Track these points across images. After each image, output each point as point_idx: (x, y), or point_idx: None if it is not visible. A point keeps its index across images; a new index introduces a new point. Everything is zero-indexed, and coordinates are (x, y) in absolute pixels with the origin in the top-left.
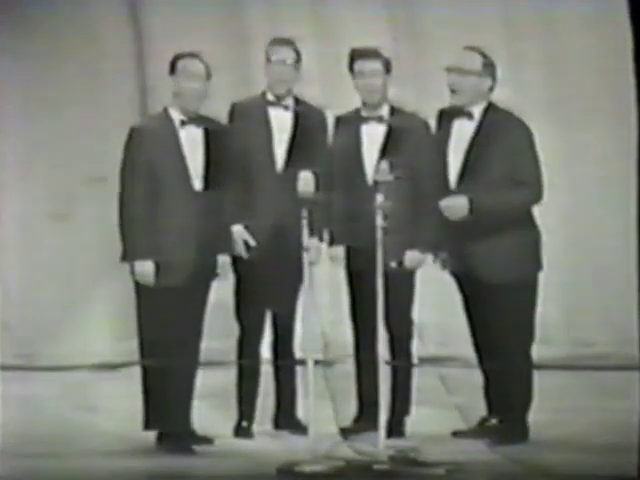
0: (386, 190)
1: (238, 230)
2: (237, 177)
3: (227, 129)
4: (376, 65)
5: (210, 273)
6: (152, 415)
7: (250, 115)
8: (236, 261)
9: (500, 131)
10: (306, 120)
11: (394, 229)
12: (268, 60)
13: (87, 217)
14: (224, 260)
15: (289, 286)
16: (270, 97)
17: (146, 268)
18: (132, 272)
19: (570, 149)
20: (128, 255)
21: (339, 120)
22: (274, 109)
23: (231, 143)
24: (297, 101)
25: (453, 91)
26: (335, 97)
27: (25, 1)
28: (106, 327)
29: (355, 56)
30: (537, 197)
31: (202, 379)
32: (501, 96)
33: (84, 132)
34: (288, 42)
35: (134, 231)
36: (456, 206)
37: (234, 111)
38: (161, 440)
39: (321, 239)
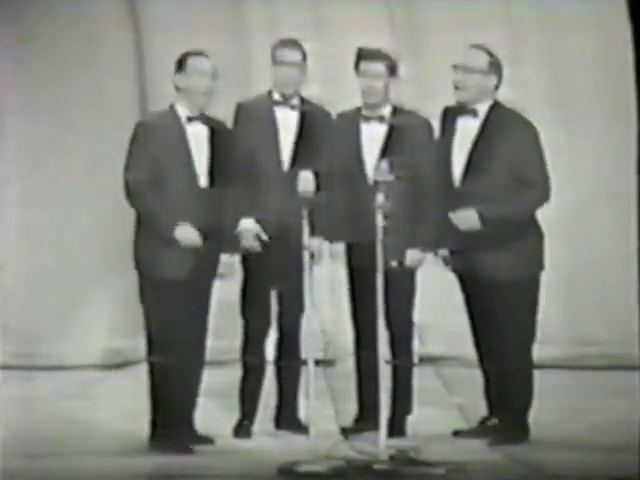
0: (386, 190)
1: (248, 224)
2: (243, 176)
3: (233, 130)
4: (380, 67)
5: (213, 270)
6: (159, 414)
7: (256, 115)
8: (242, 260)
9: (505, 129)
10: (312, 120)
11: (394, 228)
12: (274, 61)
13: (88, 216)
14: (228, 259)
15: (294, 286)
16: (276, 96)
17: (188, 229)
18: (138, 268)
19: (570, 149)
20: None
21: (340, 118)
22: (280, 109)
23: (237, 142)
24: (303, 101)
25: (457, 88)
26: (335, 97)
27: (25, 2)
28: (107, 326)
29: (361, 56)
30: (545, 198)
31: (206, 378)
32: (501, 95)
33: (84, 132)
34: (294, 43)
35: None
36: (466, 219)
37: (240, 111)
38: (155, 439)
39: (323, 238)
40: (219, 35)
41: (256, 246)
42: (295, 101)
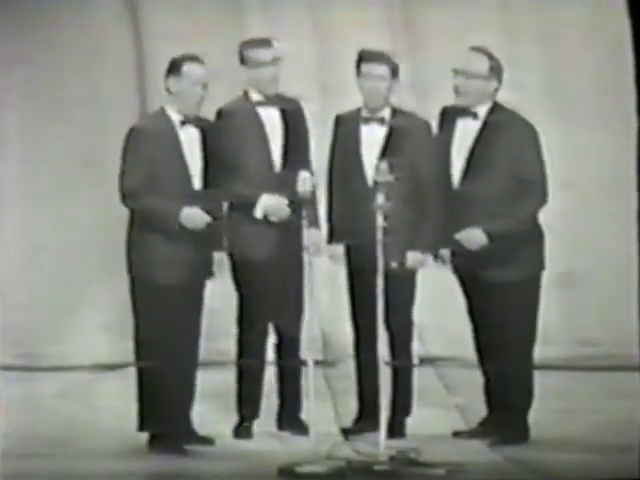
0: (386, 190)
1: (269, 199)
2: (236, 178)
3: (222, 133)
4: (382, 69)
5: (206, 271)
6: (147, 416)
7: (240, 118)
8: (237, 268)
9: (505, 131)
10: (292, 114)
11: (394, 229)
12: (250, 63)
13: (87, 218)
14: (220, 258)
15: (293, 289)
16: (256, 97)
17: (195, 210)
18: (130, 272)
19: (570, 149)
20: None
21: (339, 119)
22: (263, 109)
23: (228, 145)
24: (276, 94)
25: (458, 93)
26: (333, 99)
27: (26, 3)
28: (106, 327)
29: (363, 58)
30: (543, 201)
31: (207, 379)
32: (500, 97)
33: (84, 132)
34: (266, 42)
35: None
36: (473, 238)
37: (221, 117)
38: (153, 441)
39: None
40: (218, 36)
41: (287, 213)
42: (275, 99)
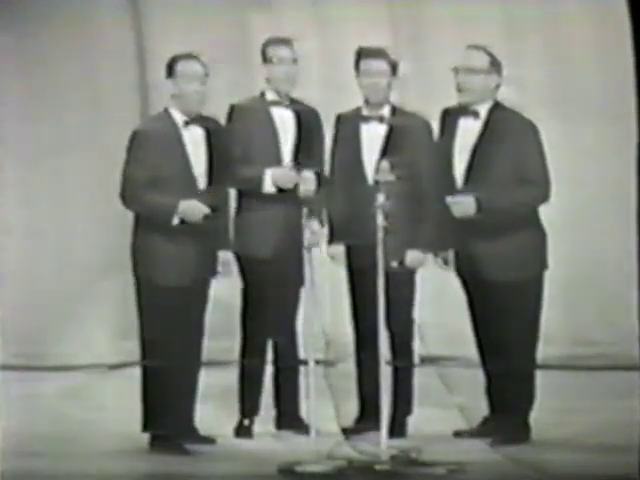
0: (387, 190)
1: (283, 175)
2: (242, 166)
3: (231, 130)
4: (382, 65)
5: (210, 271)
6: (151, 416)
7: (252, 116)
8: (241, 266)
9: (507, 130)
10: (307, 120)
11: (395, 229)
12: (268, 60)
13: (87, 217)
14: (226, 257)
15: (294, 287)
16: (271, 97)
17: (193, 202)
18: (135, 273)
19: (570, 148)
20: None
21: (339, 118)
22: (277, 109)
23: (235, 143)
24: (292, 100)
25: (460, 90)
26: (335, 97)
27: (26, 1)
28: (106, 327)
29: (362, 55)
30: (544, 197)
31: (208, 378)
32: (501, 95)
33: (84, 133)
34: (287, 41)
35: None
36: (463, 204)
37: (234, 113)
38: (154, 441)
39: (321, 224)
40: (219, 35)
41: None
42: (288, 101)
